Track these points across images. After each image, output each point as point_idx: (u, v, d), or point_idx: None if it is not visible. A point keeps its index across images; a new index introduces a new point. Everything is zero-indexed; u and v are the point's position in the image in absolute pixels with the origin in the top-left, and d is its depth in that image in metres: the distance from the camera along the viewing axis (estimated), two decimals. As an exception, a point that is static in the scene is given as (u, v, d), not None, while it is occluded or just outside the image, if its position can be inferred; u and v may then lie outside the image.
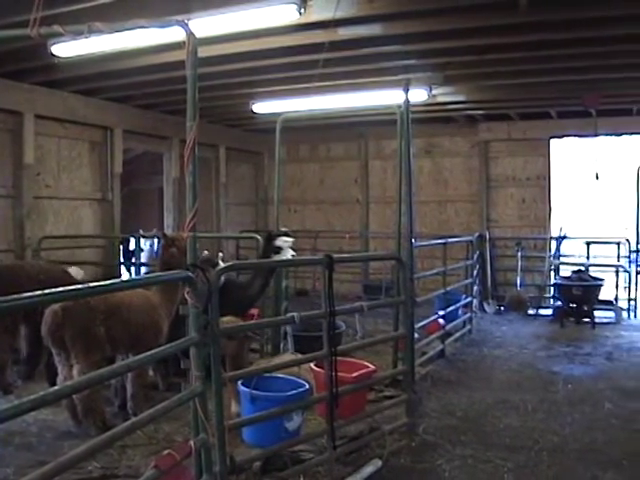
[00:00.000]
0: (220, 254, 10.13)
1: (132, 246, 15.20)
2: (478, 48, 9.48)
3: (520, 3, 7.32)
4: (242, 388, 6.21)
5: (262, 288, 8.80)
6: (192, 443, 4.16)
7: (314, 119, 13.78)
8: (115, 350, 6.79)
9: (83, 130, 12.65)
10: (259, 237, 9.27)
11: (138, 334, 6.78)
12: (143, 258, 13.48)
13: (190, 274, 4.27)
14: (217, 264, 8.25)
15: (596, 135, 15.96)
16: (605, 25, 8.38)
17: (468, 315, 12.28)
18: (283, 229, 9.91)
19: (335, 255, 5.85)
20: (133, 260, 13.40)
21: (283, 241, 8.79)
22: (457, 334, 11.39)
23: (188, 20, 4.65)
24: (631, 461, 6.23)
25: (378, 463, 5.92)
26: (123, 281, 6.83)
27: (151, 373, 8.02)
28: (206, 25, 7.38)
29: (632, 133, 18.12)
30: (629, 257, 14.99)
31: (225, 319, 6.20)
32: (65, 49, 8.26)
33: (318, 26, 8.02)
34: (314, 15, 7.63)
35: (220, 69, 10.14)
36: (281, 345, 9.01)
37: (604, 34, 8.80)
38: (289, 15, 7.26)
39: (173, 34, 6.05)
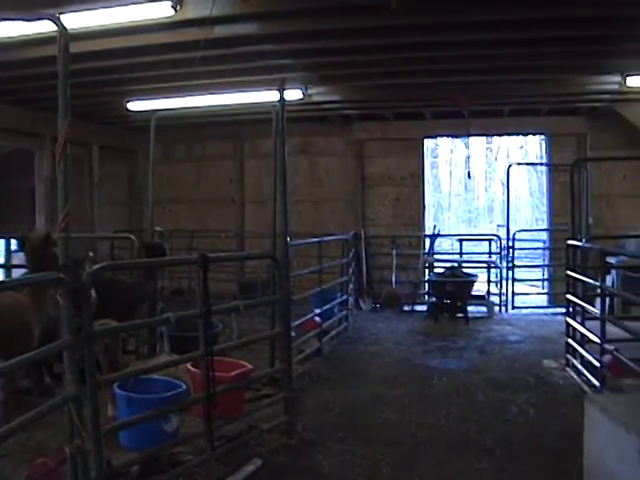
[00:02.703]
0: (90, 254, 9.88)
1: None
2: (352, 49, 9.60)
3: (392, 5, 7.43)
4: (118, 391, 6.09)
5: (151, 290, 8.67)
6: (67, 449, 4.04)
7: (189, 118, 13.64)
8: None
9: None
10: (133, 237, 9.11)
11: (7, 338, 6.54)
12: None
13: (62, 275, 4.15)
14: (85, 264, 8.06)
15: (469, 135, 16.46)
16: (476, 29, 8.63)
17: (344, 313, 12.41)
18: (158, 229, 9.79)
19: (210, 254, 5.81)
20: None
21: None
22: (334, 332, 11.50)
23: (60, 14, 4.51)
24: (503, 449, 6.48)
25: (258, 462, 5.92)
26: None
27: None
28: (79, 20, 7.20)
29: (503, 134, 18.79)
30: (500, 253, 15.47)
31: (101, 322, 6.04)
32: None
33: (194, 24, 7.92)
34: (190, 12, 7.55)
35: (94, 65, 9.87)
36: (157, 346, 8.88)
37: (475, 37, 9.06)
38: (164, 12, 7.18)
39: (44, 28, 5.89)
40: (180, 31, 8.28)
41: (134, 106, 12.57)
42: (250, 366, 7.19)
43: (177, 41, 8.69)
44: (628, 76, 10.97)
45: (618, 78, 11.19)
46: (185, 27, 8.10)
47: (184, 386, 6.37)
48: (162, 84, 11.45)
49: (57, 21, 4.16)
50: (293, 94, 11.73)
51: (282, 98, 7.83)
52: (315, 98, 12.97)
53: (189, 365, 6.91)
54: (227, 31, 8.44)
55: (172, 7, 7.23)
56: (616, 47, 9.60)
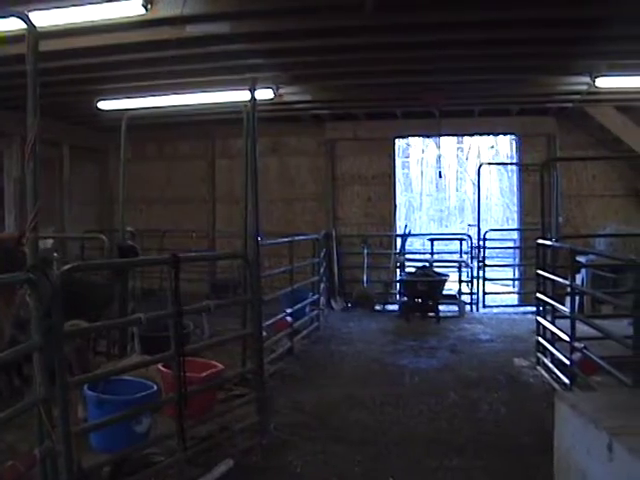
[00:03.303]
0: (55, 254, 9.79)
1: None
2: (323, 48, 9.61)
3: (366, 6, 7.45)
4: (88, 392, 6.04)
5: (120, 290, 8.61)
6: (37, 452, 4.01)
7: (161, 117, 13.57)
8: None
9: None
10: (104, 237, 9.05)
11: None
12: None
13: (31, 276, 4.11)
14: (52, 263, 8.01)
15: (440, 135, 16.51)
16: (447, 29, 8.67)
17: (316, 312, 12.41)
18: (129, 229, 9.73)
19: (181, 254, 5.79)
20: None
21: None
22: (305, 331, 11.50)
23: (28, 12, 4.47)
24: (474, 447, 6.53)
25: (230, 462, 5.90)
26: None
27: None
28: (48, 17, 7.14)
29: (474, 134, 18.89)
30: (471, 253, 15.54)
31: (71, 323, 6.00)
32: None
33: (165, 23, 7.88)
34: (161, 11, 7.51)
35: (64, 64, 9.78)
36: (128, 347, 8.82)
37: (446, 38, 9.09)
38: (135, 10, 7.13)
39: (12, 26, 5.83)
40: (151, 30, 8.23)
41: (105, 105, 12.47)
42: (221, 366, 7.16)
43: (148, 40, 8.63)
44: (597, 77, 11.06)
45: (587, 79, 11.28)
46: (156, 26, 8.06)
47: (155, 387, 6.34)
48: (133, 83, 11.38)
49: (26, 19, 4.12)
50: (264, 94, 11.72)
51: (253, 98, 7.80)
52: (286, 98, 12.96)
53: (160, 366, 6.88)
54: (198, 30, 8.40)
55: (143, 6, 7.19)
56: (585, 48, 9.68)
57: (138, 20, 7.63)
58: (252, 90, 7.78)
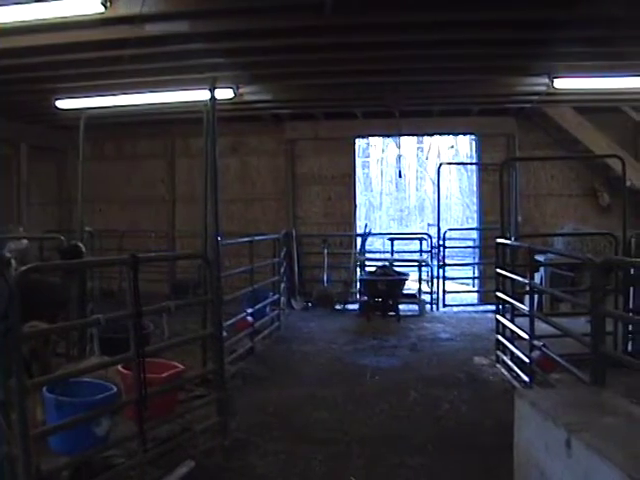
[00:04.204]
0: (7, 254, 9.66)
1: None
2: (283, 48, 9.60)
3: (325, 6, 7.45)
4: (47, 394, 5.97)
5: (78, 291, 8.51)
6: (-6, 455, 3.95)
7: (120, 116, 13.46)
8: None
9: None
10: (62, 237, 8.96)
11: None
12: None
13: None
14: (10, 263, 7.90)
15: (400, 135, 16.59)
16: (407, 30, 8.72)
17: (276, 312, 12.41)
18: (87, 229, 9.64)
19: (141, 254, 5.74)
20: None
21: None
22: (266, 331, 11.48)
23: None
24: (435, 445, 6.58)
25: (191, 464, 5.87)
26: None
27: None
28: (4, 15, 7.05)
29: (433, 133, 19.01)
30: (431, 252, 15.62)
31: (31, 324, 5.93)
32: None
33: (124, 21, 7.81)
34: (120, 10, 7.43)
35: (21, 62, 9.64)
36: (87, 348, 8.74)
37: (405, 38, 9.14)
38: (94, 8, 7.06)
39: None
40: (110, 29, 8.15)
41: (63, 104, 12.34)
42: (182, 367, 7.12)
43: (107, 38, 8.54)
44: (555, 78, 11.20)
45: (546, 80, 11.42)
46: (115, 24, 7.98)
47: (115, 388, 6.28)
48: (92, 82, 11.25)
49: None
50: (224, 93, 11.69)
51: (213, 97, 7.77)
52: (246, 97, 12.95)
53: (120, 367, 6.82)
54: (158, 29, 8.33)
55: (102, 4, 7.12)
56: (544, 50, 9.80)
57: (97, 18, 7.55)
58: (212, 89, 7.75)
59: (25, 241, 11.07)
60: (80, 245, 8.78)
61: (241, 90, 12.29)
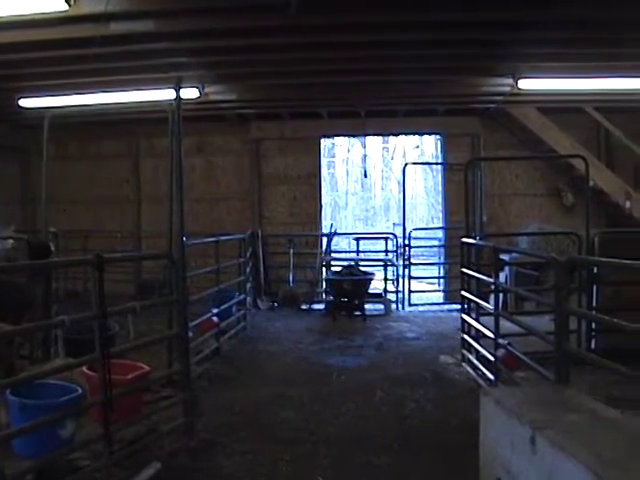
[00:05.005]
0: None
1: None
2: (249, 48, 9.58)
3: (290, 5, 7.45)
4: (10, 397, 5.90)
5: (43, 291, 8.44)
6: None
7: (85, 116, 13.34)
8: None
9: None
10: (27, 238, 8.87)
11: None
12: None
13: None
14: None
15: (365, 135, 16.62)
16: (372, 30, 8.75)
17: (242, 312, 12.39)
18: (52, 230, 9.55)
19: (106, 255, 5.71)
20: None
21: None
22: (232, 331, 11.45)
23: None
24: (401, 444, 6.59)
25: (157, 465, 5.83)
26: None
27: None
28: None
29: (398, 133, 19.09)
30: (396, 251, 15.68)
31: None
32: None
33: (89, 19, 7.75)
34: (84, 8, 7.38)
35: (-18, 60, 9.58)
36: (52, 350, 8.66)
37: (371, 39, 9.18)
38: (58, 6, 7.00)
39: None
40: (74, 27, 8.08)
41: (27, 103, 12.23)
42: (148, 368, 7.09)
43: (71, 37, 8.46)
44: (519, 79, 11.32)
45: (510, 80, 11.54)
46: (79, 23, 7.92)
47: (80, 390, 6.23)
48: (56, 81, 11.14)
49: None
50: (190, 93, 11.65)
51: (178, 97, 7.73)
52: (212, 97, 12.92)
53: (85, 368, 6.77)
54: (122, 28, 8.28)
55: (66, 2, 7.06)
56: (508, 51, 9.89)
57: (61, 16, 7.49)
58: (177, 89, 7.71)
59: (10, 241, 10.95)
60: (50, 244, 8.72)
61: (206, 90, 12.26)
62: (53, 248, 8.50)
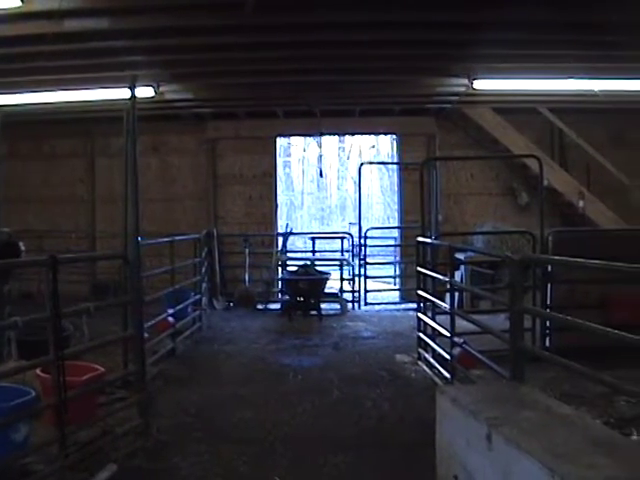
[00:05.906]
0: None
1: None
2: (204, 47, 9.56)
3: (246, 5, 7.44)
4: (-39, 401, 5.81)
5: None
6: None
7: (38, 114, 13.18)
8: None
9: None
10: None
11: None
12: None
13: None
14: None
15: (321, 134, 16.63)
16: (327, 30, 8.77)
17: (198, 312, 12.33)
18: (5, 229, 9.44)
19: (60, 255, 5.64)
20: None
21: None
22: (187, 332, 11.39)
23: None
24: (358, 443, 6.62)
25: (113, 467, 5.78)
26: None
27: None
28: None
29: (354, 133, 19.16)
30: (352, 251, 15.71)
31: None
32: None
33: (42, 16, 7.66)
34: (38, 4, 7.31)
35: None
36: (4, 352, 8.55)
37: (326, 38, 9.20)
38: (10, 2, 6.91)
39: None
40: (28, 24, 7.98)
41: (-24, 101, 12.04)
42: (102, 369, 7.03)
43: (25, 34, 8.37)
44: (475, 79, 11.42)
45: (465, 81, 11.64)
46: (33, 19, 7.83)
47: (33, 393, 6.15)
48: (9, 78, 10.98)
49: None
50: (145, 92, 11.57)
51: (133, 96, 7.67)
52: (167, 96, 12.86)
53: (39, 370, 6.69)
54: (77, 25, 8.20)
55: (19, -2, 6.99)
56: (464, 51, 9.97)
57: (14, 12, 7.39)
58: (132, 88, 7.64)
59: None
60: (20, 244, 8.61)
61: (162, 89, 12.20)
62: (23, 247, 8.37)
